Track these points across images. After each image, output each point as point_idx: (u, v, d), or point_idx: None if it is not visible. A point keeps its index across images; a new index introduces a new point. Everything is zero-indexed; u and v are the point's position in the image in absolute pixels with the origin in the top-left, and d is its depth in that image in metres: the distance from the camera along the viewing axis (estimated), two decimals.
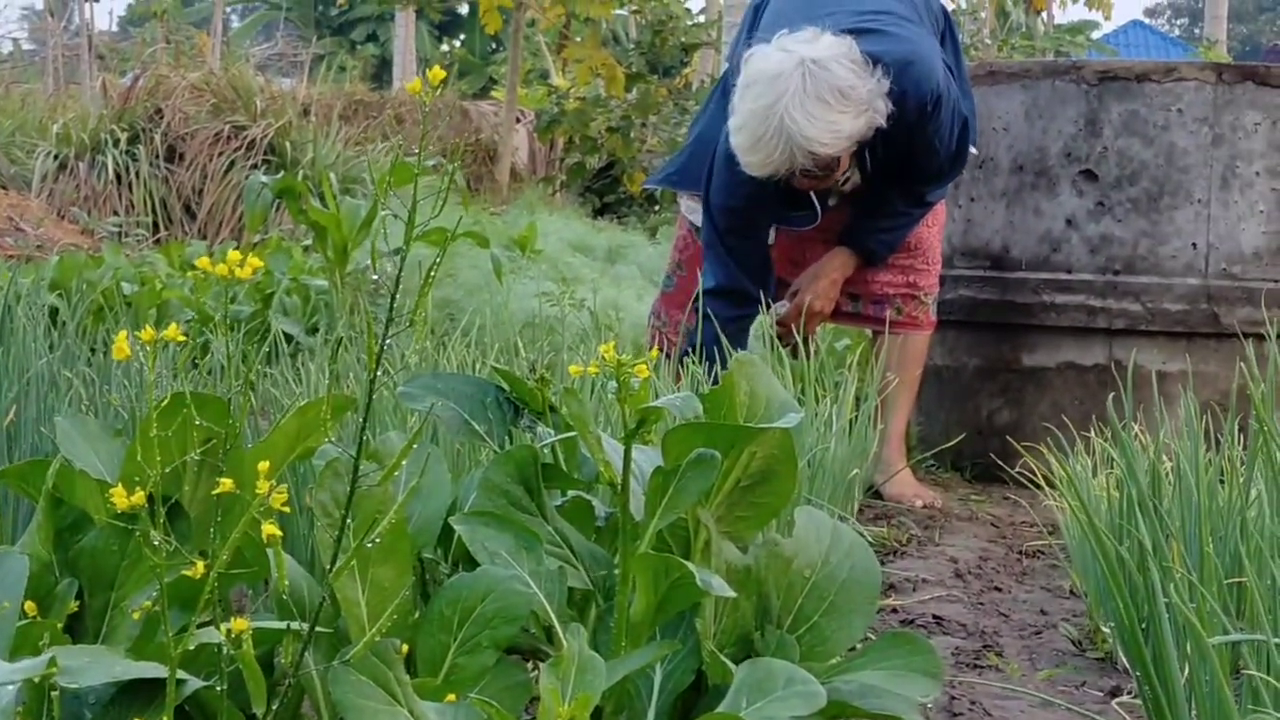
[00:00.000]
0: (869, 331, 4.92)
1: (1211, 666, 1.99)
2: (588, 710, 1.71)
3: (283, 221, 11.35)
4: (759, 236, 4.60)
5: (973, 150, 4.74)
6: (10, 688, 1.51)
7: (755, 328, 4.81)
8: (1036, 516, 4.30)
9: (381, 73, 42.27)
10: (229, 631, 1.59)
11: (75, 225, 12.20)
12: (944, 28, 4.66)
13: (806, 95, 4.08)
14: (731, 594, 1.91)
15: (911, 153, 4.39)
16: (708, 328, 4.32)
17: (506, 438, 2.61)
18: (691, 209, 4.84)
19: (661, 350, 4.59)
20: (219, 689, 1.65)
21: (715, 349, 4.24)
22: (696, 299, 4.49)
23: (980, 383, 5.14)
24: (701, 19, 19.83)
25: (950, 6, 4.78)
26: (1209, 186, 4.84)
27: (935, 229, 4.72)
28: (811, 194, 4.49)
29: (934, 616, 3.24)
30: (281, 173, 11.76)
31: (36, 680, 1.51)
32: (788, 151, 4.14)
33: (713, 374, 4.07)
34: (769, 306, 4.55)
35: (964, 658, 2.94)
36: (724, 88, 4.63)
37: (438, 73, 1.61)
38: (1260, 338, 4.59)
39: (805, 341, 4.43)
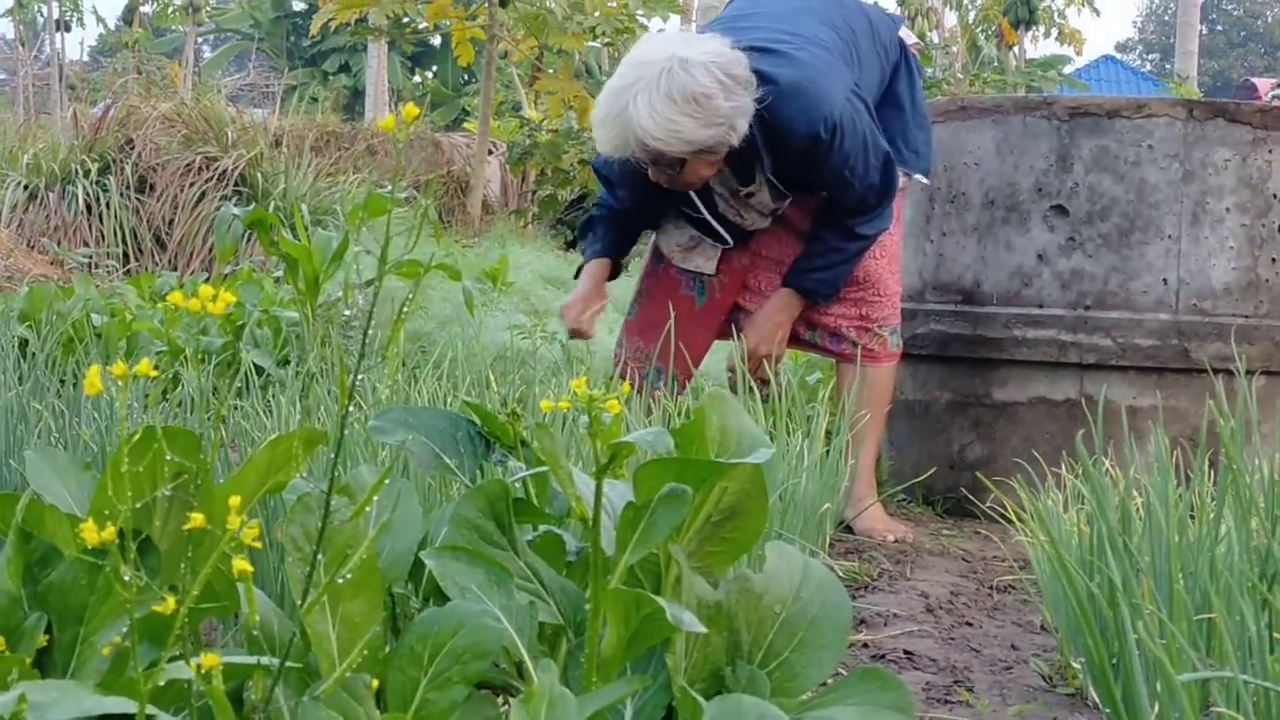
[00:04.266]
0: (834, 362, 4.93)
1: (1180, 704, 1.99)
2: None
3: (254, 253, 11.32)
4: (646, 206, 4.79)
5: (924, 180, 4.78)
6: None
7: (727, 358, 4.85)
8: (1008, 551, 4.31)
9: (354, 104, 42.31)
10: (199, 667, 1.58)
11: (45, 256, 12.15)
12: (898, 59, 4.69)
13: (657, 90, 4.14)
14: (702, 629, 1.91)
15: (820, 180, 4.44)
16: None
17: (478, 472, 2.61)
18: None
19: (626, 378, 4.62)
20: None
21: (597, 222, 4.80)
22: (666, 331, 4.52)
23: (951, 417, 5.15)
24: None
25: (913, 40, 4.80)
26: (1179, 222, 4.85)
27: (884, 260, 4.72)
28: (713, 220, 4.62)
29: (905, 651, 3.24)
30: (253, 204, 11.74)
31: (7, 716, 1.50)
32: (625, 136, 4.22)
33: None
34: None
35: (935, 693, 2.94)
36: None
37: (412, 109, 1.62)
38: (1230, 373, 4.61)
39: (764, 383, 4.45)
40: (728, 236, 4.66)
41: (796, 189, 4.53)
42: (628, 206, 4.74)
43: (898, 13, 28.89)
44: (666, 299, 4.76)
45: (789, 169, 4.41)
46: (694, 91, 4.12)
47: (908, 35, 4.83)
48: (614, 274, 4.91)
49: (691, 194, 4.56)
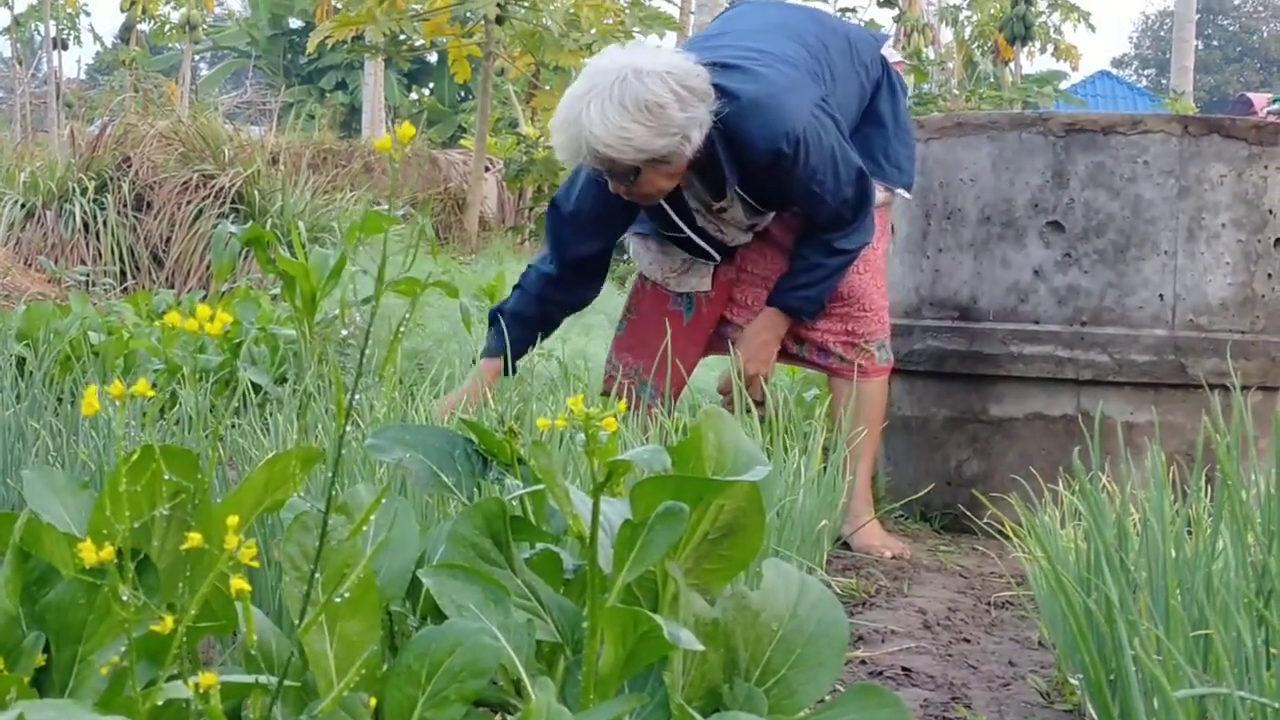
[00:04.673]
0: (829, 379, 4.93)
1: None
2: None
3: (251, 270, 11.33)
4: (605, 243, 4.81)
5: (906, 195, 4.78)
6: None
7: (719, 380, 4.85)
8: (1005, 567, 4.30)
9: (350, 121, 42.32)
10: (197, 686, 1.59)
11: (43, 274, 12.16)
12: (880, 76, 4.70)
13: (609, 97, 4.17)
14: (699, 647, 1.91)
15: (790, 195, 4.46)
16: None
17: (475, 490, 2.61)
18: (637, 252, 4.90)
19: (619, 396, 4.64)
20: None
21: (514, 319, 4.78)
22: (665, 347, 4.53)
23: (948, 433, 5.15)
24: None
25: (896, 58, 4.78)
26: (1175, 238, 4.86)
27: (868, 275, 4.72)
28: (698, 237, 4.66)
29: (903, 668, 3.24)
30: (250, 222, 11.75)
31: None
32: (578, 143, 4.24)
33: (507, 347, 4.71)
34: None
35: (932, 710, 2.93)
36: None
37: (408, 129, 1.62)
38: (1226, 389, 4.61)
39: (759, 404, 4.46)
40: (714, 252, 4.68)
41: (769, 205, 4.55)
42: (575, 255, 4.76)
43: (893, 29, 28.93)
44: (654, 315, 4.78)
45: (756, 184, 4.43)
46: (646, 100, 4.15)
47: (892, 53, 4.84)
48: (508, 371, 4.93)
49: (670, 211, 4.57)
